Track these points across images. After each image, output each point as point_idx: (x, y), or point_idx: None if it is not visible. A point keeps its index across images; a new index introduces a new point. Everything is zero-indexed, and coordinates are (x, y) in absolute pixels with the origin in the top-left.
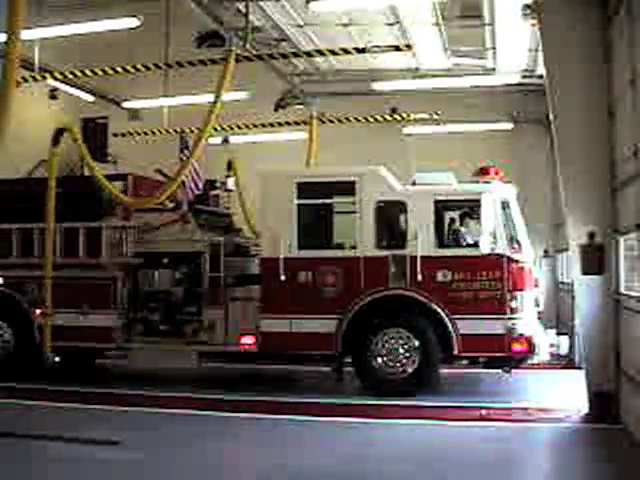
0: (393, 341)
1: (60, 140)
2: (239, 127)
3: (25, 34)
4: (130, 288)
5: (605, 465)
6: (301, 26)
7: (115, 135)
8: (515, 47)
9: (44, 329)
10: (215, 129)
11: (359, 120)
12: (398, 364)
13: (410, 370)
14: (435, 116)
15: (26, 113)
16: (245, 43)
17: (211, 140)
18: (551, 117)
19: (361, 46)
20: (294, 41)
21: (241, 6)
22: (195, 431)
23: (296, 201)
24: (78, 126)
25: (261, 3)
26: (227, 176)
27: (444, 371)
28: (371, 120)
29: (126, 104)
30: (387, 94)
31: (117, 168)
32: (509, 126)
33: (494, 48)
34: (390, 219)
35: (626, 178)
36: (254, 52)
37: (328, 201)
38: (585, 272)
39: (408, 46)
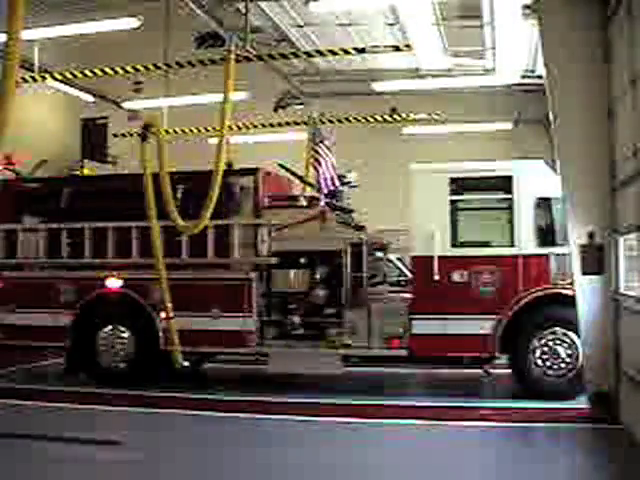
0: (552, 343)
1: (148, 136)
2: (239, 127)
3: (25, 34)
4: (264, 289)
5: (605, 465)
6: (301, 26)
7: (115, 135)
8: (515, 47)
9: (170, 333)
10: (214, 129)
11: (359, 120)
12: (558, 365)
13: (571, 373)
14: (435, 116)
15: (26, 113)
16: (245, 43)
17: (210, 140)
18: (551, 117)
19: (361, 46)
20: (294, 41)
21: (241, 6)
22: (195, 431)
23: (449, 197)
24: (78, 126)
25: (261, 3)
26: (348, 170)
27: (445, 371)
28: (371, 120)
29: (126, 104)
30: (387, 94)
31: (116, 168)
32: (509, 126)
33: (494, 48)
34: (550, 215)
35: (626, 178)
36: (254, 52)
37: (483, 197)
38: (585, 272)
39: (408, 46)
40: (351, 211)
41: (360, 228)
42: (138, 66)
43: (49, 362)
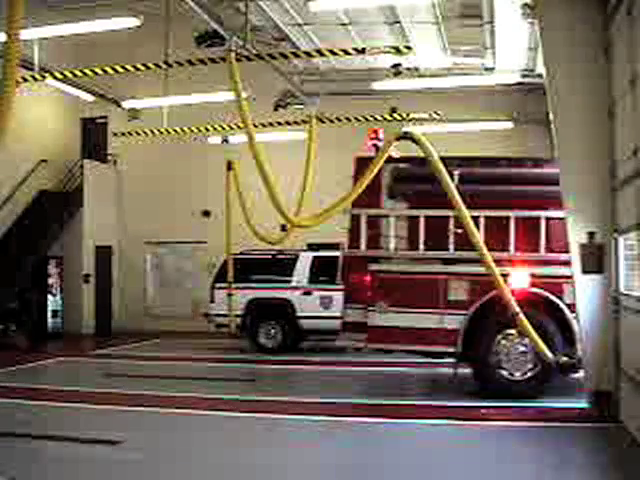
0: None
1: None
2: (239, 127)
3: (25, 34)
4: None
5: (605, 465)
6: (301, 26)
7: (115, 135)
8: (514, 46)
9: None
10: (214, 129)
11: (359, 120)
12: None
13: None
14: (435, 116)
15: (26, 113)
16: (245, 43)
17: (211, 140)
18: (551, 117)
19: (361, 46)
20: (294, 41)
21: (241, 6)
22: (195, 431)
23: None
24: (78, 126)
25: (261, 3)
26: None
27: (446, 371)
28: (371, 120)
29: (126, 104)
30: (387, 94)
31: (117, 168)
32: (509, 126)
33: (494, 48)
34: None
35: (626, 178)
36: (254, 52)
37: None
38: (585, 271)
39: (408, 48)
40: None
41: None
42: (138, 65)
43: (50, 361)
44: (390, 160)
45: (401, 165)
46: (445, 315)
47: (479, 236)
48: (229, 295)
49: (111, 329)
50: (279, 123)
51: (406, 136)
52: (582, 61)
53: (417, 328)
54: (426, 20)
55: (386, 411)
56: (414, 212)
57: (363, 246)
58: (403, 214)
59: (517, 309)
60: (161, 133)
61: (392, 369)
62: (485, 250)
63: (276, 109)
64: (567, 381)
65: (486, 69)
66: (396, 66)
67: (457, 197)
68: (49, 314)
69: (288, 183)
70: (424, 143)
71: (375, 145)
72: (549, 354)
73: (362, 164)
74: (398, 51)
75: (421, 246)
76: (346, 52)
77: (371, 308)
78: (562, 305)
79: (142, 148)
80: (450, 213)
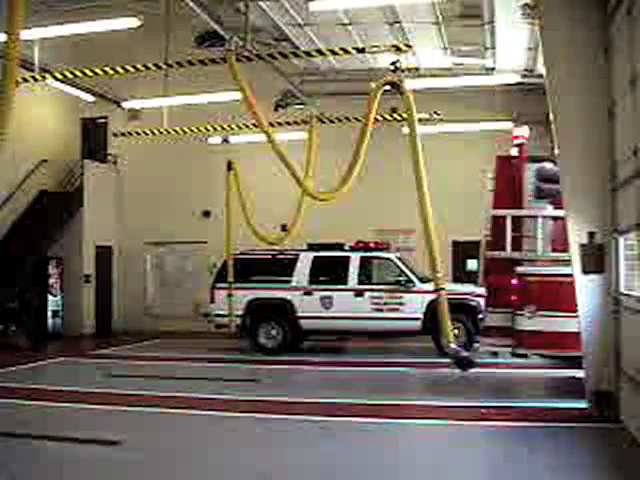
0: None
1: None
2: (239, 127)
3: (25, 34)
4: None
5: (605, 465)
6: (301, 26)
7: (115, 135)
8: (514, 46)
9: None
10: (214, 129)
11: (359, 120)
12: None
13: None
14: (435, 116)
15: (26, 113)
16: (245, 43)
17: (211, 140)
18: (551, 117)
19: (361, 46)
20: (294, 41)
21: (241, 6)
22: (195, 431)
23: None
24: (78, 126)
25: (261, 3)
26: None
27: (446, 371)
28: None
29: (126, 104)
30: (387, 94)
31: (117, 168)
32: (509, 126)
33: (494, 48)
34: None
35: (626, 178)
36: (254, 52)
37: None
38: (585, 272)
39: (408, 46)
40: None
41: None
42: (138, 65)
43: (50, 361)
44: (535, 160)
45: (547, 165)
46: None
47: None
48: (229, 295)
49: (111, 329)
50: (279, 123)
51: (394, 85)
52: (582, 61)
53: (565, 332)
54: (426, 20)
55: (386, 411)
56: (561, 212)
57: (508, 248)
58: (550, 215)
59: None
60: (161, 133)
61: (392, 369)
62: None
63: (276, 109)
64: (567, 381)
65: (486, 69)
66: (395, 63)
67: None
68: (49, 314)
69: (288, 183)
70: (408, 97)
71: (519, 145)
72: (453, 345)
73: (502, 163)
74: (398, 50)
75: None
76: (346, 51)
77: (519, 312)
78: None
79: (142, 148)
80: None
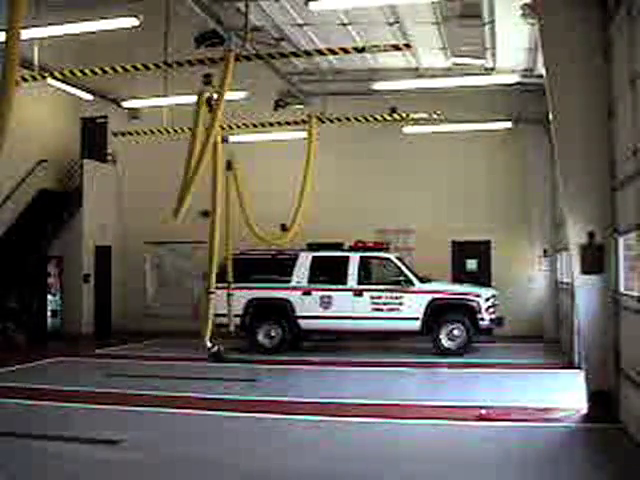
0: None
1: None
2: (238, 127)
3: (25, 34)
4: None
5: (605, 465)
6: (301, 26)
7: (115, 135)
8: (514, 47)
9: None
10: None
11: (359, 120)
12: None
13: None
14: (435, 116)
15: (26, 112)
16: (245, 43)
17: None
18: (551, 117)
19: (361, 46)
20: (294, 41)
21: (241, 6)
22: (195, 431)
23: None
24: (78, 125)
25: (261, 3)
26: None
27: (445, 370)
28: (371, 120)
29: (126, 104)
30: (387, 94)
31: (117, 168)
32: (509, 126)
33: (494, 48)
34: None
35: (626, 178)
36: (254, 52)
37: None
38: (585, 272)
39: (408, 46)
40: None
41: None
42: (138, 65)
43: (50, 361)
44: None
45: None
46: None
47: None
48: (229, 295)
49: (111, 329)
50: (279, 123)
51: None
52: (582, 61)
53: None
54: (426, 20)
55: (386, 411)
56: None
57: None
58: None
59: None
60: (161, 133)
61: (392, 369)
62: None
63: (276, 109)
64: (567, 381)
65: (486, 69)
66: (207, 76)
67: None
68: (49, 314)
69: (288, 183)
70: (216, 112)
71: None
72: (208, 342)
73: None
74: (398, 49)
75: None
76: (346, 51)
77: None
78: None
79: (142, 148)
80: None
